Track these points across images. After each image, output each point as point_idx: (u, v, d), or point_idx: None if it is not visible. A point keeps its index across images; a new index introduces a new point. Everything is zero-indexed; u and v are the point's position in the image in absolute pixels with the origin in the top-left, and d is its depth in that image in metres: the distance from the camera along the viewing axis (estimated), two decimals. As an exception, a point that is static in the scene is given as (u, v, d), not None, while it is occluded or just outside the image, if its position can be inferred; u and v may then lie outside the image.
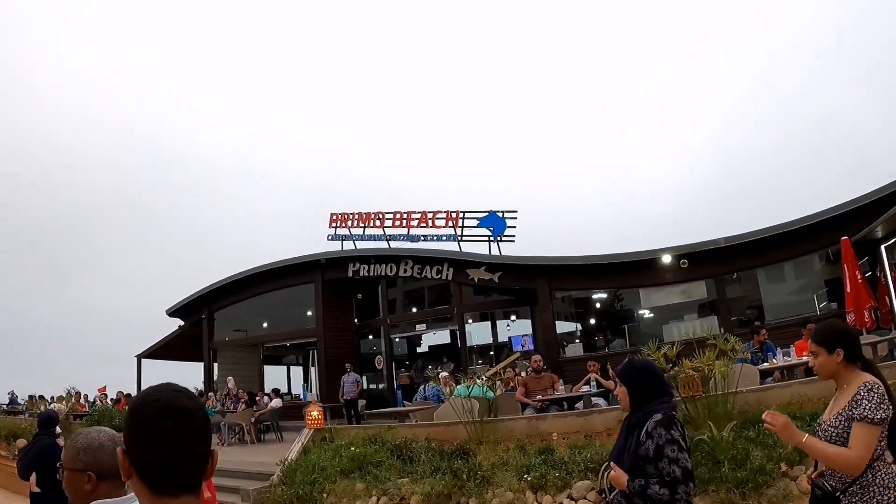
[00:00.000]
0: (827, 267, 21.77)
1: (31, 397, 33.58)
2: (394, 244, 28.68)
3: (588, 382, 16.05)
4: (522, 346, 26.46)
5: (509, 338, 28.73)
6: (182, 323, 36.20)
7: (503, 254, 26.28)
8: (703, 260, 22.38)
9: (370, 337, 32.31)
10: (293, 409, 26.78)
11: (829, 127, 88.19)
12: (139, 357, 36.67)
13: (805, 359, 13.06)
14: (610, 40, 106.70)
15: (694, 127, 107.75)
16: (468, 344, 27.68)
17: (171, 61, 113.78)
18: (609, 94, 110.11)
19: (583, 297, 27.53)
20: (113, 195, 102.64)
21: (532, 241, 26.80)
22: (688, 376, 11.05)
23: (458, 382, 16.64)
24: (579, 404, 15.38)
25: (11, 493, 18.59)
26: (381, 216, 29.02)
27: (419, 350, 34.22)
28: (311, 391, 34.20)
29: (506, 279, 25.29)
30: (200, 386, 33.57)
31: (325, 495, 13.04)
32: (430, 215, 28.16)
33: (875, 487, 3.91)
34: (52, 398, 31.59)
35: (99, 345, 75.33)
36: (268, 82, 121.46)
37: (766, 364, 14.37)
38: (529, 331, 26.96)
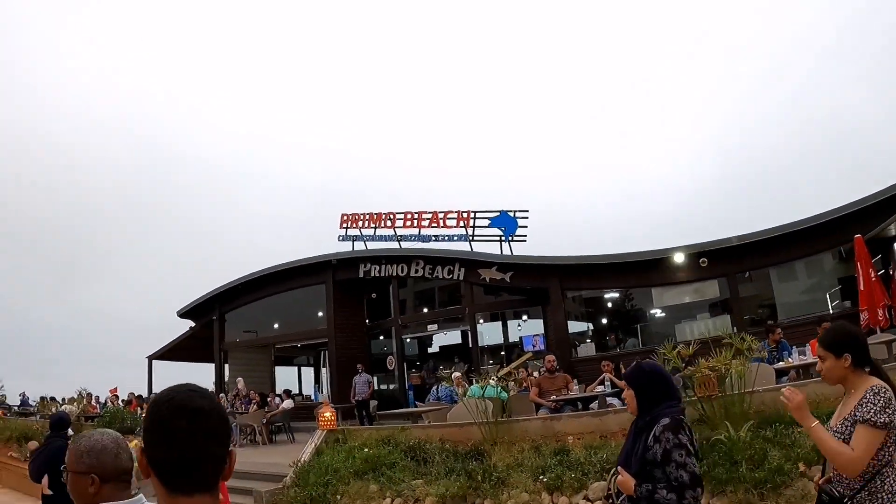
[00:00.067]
0: (840, 265, 21.67)
1: (42, 399, 33.64)
2: (405, 244, 28.61)
3: (602, 382, 15.99)
4: (533, 346, 26.40)
5: (520, 338, 28.63)
6: (193, 324, 36.22)
7: (514, 253, 26.20)
8: (715, 259, 22.27)
9: (381, 337, 32.29)
10: (304, 410, 26.80)
11: (829, 127, 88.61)
12: (150, 358, 36.78)
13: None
14: (610, 40, 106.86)
15: (694, 127, 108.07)
16: (479, 344, 27.61)
17: (172, 61, 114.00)
18: (609, 94, 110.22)
19: (594, 296, 27.47)
20: (115, 196, 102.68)
21: (531, 241, 26.68)
22: (704, 376, 10.97)
23: (471, 383, 16.58)
24: (594, 404, 15.30)
25: (23, 495, 18.60)
26: (391, 216, 28.96)
27: (430, 350, 34.13)
28: (322, 392, 34.17)
29: (517, 279, 25.21)
30: (211, 387, 33.54)
31: (338, 497, 12.96)
32: (441, 215, 28.09)
33: (884, 494, 3.87)
34: (63, 400, 31.62)
35: (109, 347, 75.39)
36: (269, 82, 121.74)
37: (781, 363, 14.28)
38: (540, 331, 26.89)
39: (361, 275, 29.22)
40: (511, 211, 26.91)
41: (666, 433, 4.29)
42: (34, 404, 34.12)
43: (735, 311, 22.26)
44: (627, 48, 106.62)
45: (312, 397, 34.53)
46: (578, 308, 27.74)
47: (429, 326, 30.60)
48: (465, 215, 27.45)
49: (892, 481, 3.87)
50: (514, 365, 23.77)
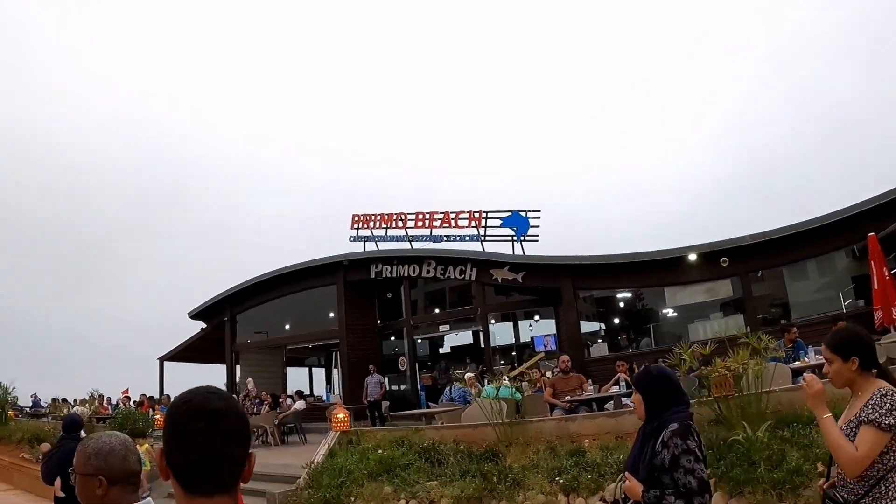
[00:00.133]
0: (853, 264, 21.57)
1: (53, 400, 33.68)
2: (416, 245, 28.61)
3: (617, 382, 15.94)
4: (545, 347, 26.39)
5: (531, 338, 28.64)
6: (204, 325, 36.24)
7: (526, 253, 26.14)
8: (728, 258, 22.16)
9: (392, 338, 32.29)
10: (316, 411, 26.81)
11: (829, 126, 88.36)
12: (161, 360, 36.84)
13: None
14: (610, 40, 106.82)
15: (694, 126, 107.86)
16: (491, 345, 27.57)
17: (178, 63, 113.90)
18: (609, 94, 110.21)
19: (606, 296, 27.44)
20: (124, 198, 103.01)
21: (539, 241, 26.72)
22: (720, 375, 10.90)
23: (484, 383, 16.54)
24: (609, 405, 15.22)
25: (35, 497, 18.62)
26: (403, 217, 28.95)
27: (441, 351, 34.08)
28: (333, 393, 34.17)
29: (530, 279, 25.16)
30: (222, 388, 33.56)
31: (352, 499, 12.91)
32: (452, 215, 28.06)
33: (888, 500, 3.83)
34: (74, 401, 31.66)
35: (121, 348, 75.51)
36: (279, 83, 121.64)
37: (797, 363, 14.20)
38: (552, 331, 26.87)
39: (373, 275, 29.20)
40: (523, 211, 26.88)
41: (674, 438, 4.26)
42: (46, 406, 34.16)
43: (748, 311, 22.16)
44: (627, 48, 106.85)
45: (324, 398, 34.49)
46: (590, 308, 27.68)
47: (440, 327, 30.58)
48: (476, 215, 27.42)
49: None
50: (526, 365, 23.77)
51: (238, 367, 34.47)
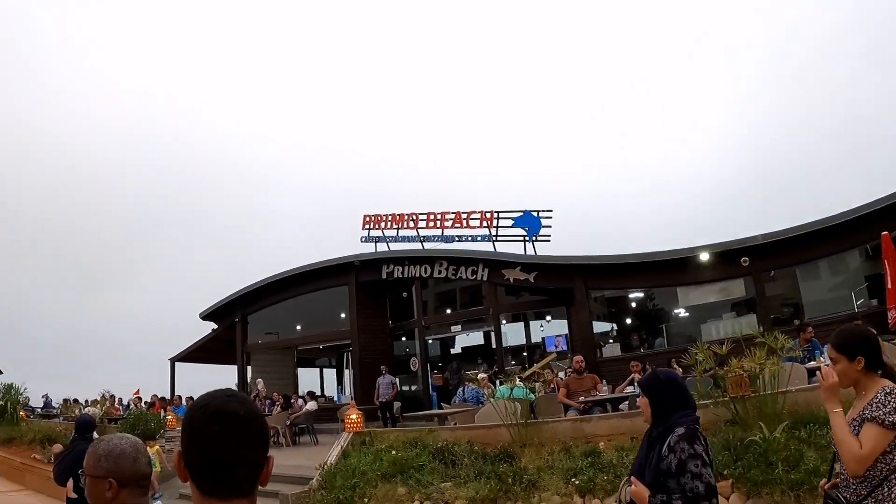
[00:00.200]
0: (866, 263, 21.48)
1: (65, 401, 33.74)
2: (428, 245, 28.59)
3: (632, 383, 15.90)
4: (556, 347, 26.39)
5: (542, 338, 28.61)
6: (215, 326, 36.26)
7: (538, 253, 26.08)
8: (741, 257, 22.08)
9: (403, 339, 32.28)
10: (327, 412, 26.77)
11: (829, 125, 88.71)
12: (172, 360, 36.89)
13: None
14: (610, 40, 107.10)
15: (694, 127, 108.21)
16: (503, 345, 27.52)
17: (197, 66, 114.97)
18: (609, 94, 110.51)
19: (617, 296, 27.40)
20: (135, 199, 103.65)
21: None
22: (736, 375, 10.85)
23: (500, 383, 16.49)
24: (623, 405, 15.17)
25: (47, 497, 18.63)
26: (414, 217, 28.94)
27: (453, 351, 34.00)
28: (344, 393, 34.17)
29: (542, 279, 25.10)
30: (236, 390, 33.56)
31: (366, 500, 12.87)
32: (464, 216, 28.04)
33: (891, 502, 3.80)
34: (86, 402, 31.70)
35: (132, 349, 75.74)
36: (293, 84, 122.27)
37: (813, 363, 14.12)
38: (563, 331, 26.85)
39: (384, 276, 29.17)
40: (535, 211, 26.85)
41: (681, 443, 4.22)
42: (57, 406, 34.22)
43: (761, 311, 22.06)
44: (627, 48, 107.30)
45: (335, 399, 34.49)
46: (601, 308, 27.60)
47: (452, 328, 30.53)
48: (488, 215, 27.40)
49: None
50: (538, 366, 23.71)
51: (249, 368, 34.46)
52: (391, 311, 31.52)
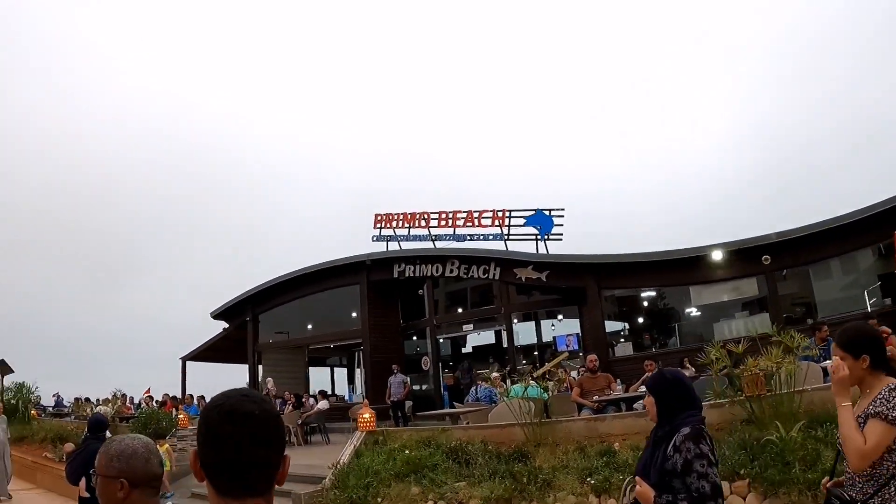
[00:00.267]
0: (879, 262, 21.40)
1: (76, 400, 33.80)
2: (439, 244, 28.55)
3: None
4: (567, 346, 26.36)
5: (554, 337, 28.61)
6: (226, 325, 36.29)
7: (550, 252, 26.04)
8: (753, 256, 22.03)
9: (414, 338, 32.29)
10: (338, 411, 26.77)
11: (830, 123, 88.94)
12: (183, 359, 36.92)
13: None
14: (610, 40, 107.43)
15: (694, 127, 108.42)
16: (514, 344, 27.49)
17: (208, 65, 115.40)
18: (609, 94, 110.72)
19: (629, 295, 27.32)
20: (154, 200, 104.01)
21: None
22: (752, 374, 10.80)
23: (512, 383, 16.45)
24: (638, 404, 15.10)
25: (58, 496, 18.71)
26: (426, 216, 28.91)
27: (464, 351, 33.98)
28: (356, 392, 34.20)
29: (554, 278, 25.05)
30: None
31: (379, 500, 12.86)
32: (476, 214, 28.00)
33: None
34: (97, 401, 31.77)
35: (142, 348, 75.99)
36: (303, 84, 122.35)
37: (828, 362, 14.05)
38: (574, 330, 26.85)
39: (396, 275, 29.14)
40: (546, 209, 26.80)
41: (687, 443, 4.20)
42: (68, 405, 34.29)
43: (773, 310, 21.98)
44: (627, 48, 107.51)
45: (346, 398, 34.53)
46: (612, 307, 27.51)
47: (464, 327, 30.54)
48: (500, 214, 27.36)
49: None
50: (550, 365, 23.66)
51: (260, 367, 34.48)
52: (402, 311, 31.53)
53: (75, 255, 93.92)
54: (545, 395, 14.89)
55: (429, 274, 28.29)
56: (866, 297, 21.50)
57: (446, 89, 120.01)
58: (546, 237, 26.33)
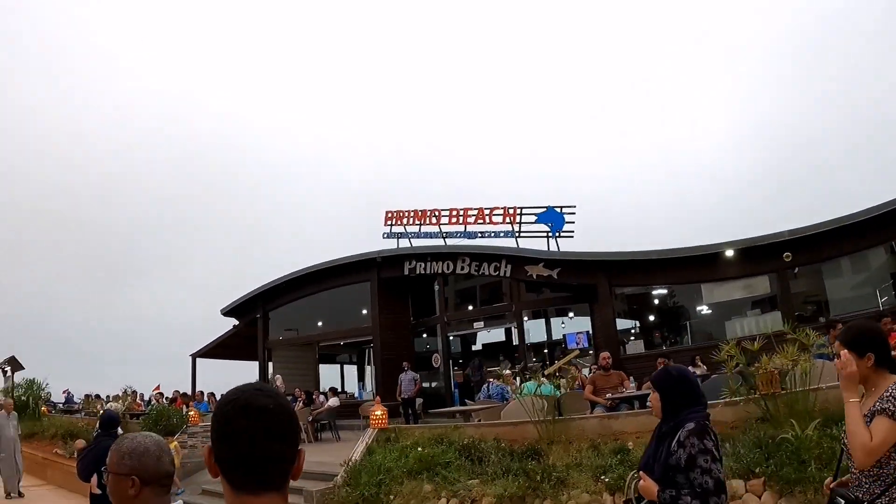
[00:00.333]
0: (891, 260, 21.38)
1: (87, 396, 33.92)
2: (450, 241, 28.55)
3: (660, 380, 15.75)
4: (577, 344, 26.37)
5: (564, 335, 28.64)
6: (237, 322, 36.36)
7: (561, 249, 25.99)
8: (765, 254, 21.98)
9: (425, 335, 32.28)
10: (348, 408, 26.81)
11: (827, 126, 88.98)
12: (194, 356, 37.02)
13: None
14: (610, 40, 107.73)
15: (694, 127, 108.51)
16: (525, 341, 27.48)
17: (214, 62, 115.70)
18: (609, 94, 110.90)
19: (640, 293, 27.31)
20: (163, 198, 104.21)
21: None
22: (767, 372, 10.75)
23: (524, 380, 16.41)
24: (651, 402, 15.05)
25: (69, 492, 18.77)
26: (437, 213, 28.93)
27: (474, 348, 33.98)
28: (365, 390, 34.22)
29: (565, 275, 25.05)
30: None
31: (391, 497, 12.83)
32: (487, 211, 28.01)
33: None
34: (107, 397, 31.83)
35: (152, 346, 76.36)
36: (312, 80, 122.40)
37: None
38: (584, 328, 26.90)
39: (406, 272, 29.17)
40: (558, 206, 26.76)
41: (691, 438, 4.22)
42: (79, 402, 34.37)
43: (785, 308, 21.92)
44: (628, 48, 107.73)
45: (356, 395, 34.54)
46: (622, 305, 27.48)
47: (474, 324, 30.53)
48: (511, 211, 27.33)
49: None
50: (561, 362, 23.65)
51: (270, 364, 34.53)
52: (413, 308, 31.55)
53: (76, 254, 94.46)
54: (558, 392, 14.86)
55: (440, 271, 28.30)
56: (878, 295, 21.42)
57: (445, 89, 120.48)
58: (557, 234, 26.29)
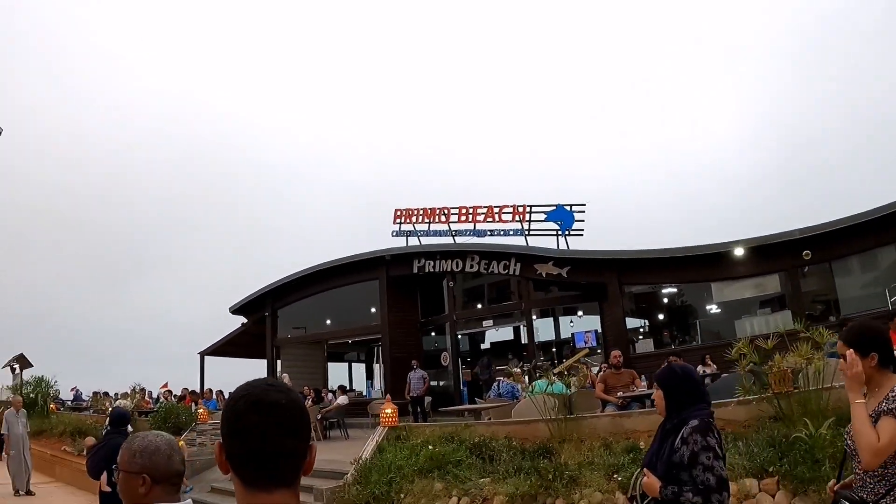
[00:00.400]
0: (902, 258, 21.35)
1: (95, 394, 33.96)
2: (459, 239, 28.53)
3: (671, 378, 15.70)
4: (585, 343, 26.31)
5: (572, 334, 28.59)
6: (245, 320, 36.38)
7: (571, 248, 25.96)
8: (776, 252, 21.92)
9: (433, 334, 32.25)
10: (357, 406, 26.81)
11: (827, 126, 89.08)
12: (202, 354, 37.05)
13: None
14: (610, 40, 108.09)
15: (694, 127, 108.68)
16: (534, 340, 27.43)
17: (220, 63, 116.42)
18: (609, 94, 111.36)
19: (649, 291, 27.25)
20: (171, 196, 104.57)
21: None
22: (779, 371, 10.71)
23: (532, 379, 16.37)
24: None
25: (77, 490, 18.79)
26: (446, 211, 28.92)
27: (482, 346, 33.96)
28: (374, 388, 34.22)
29: (575, 274, 25.03)
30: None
31: (402, 496, 12.79)
32: (496, 209, 28.01)
33: None
34: (116, 395, 31.85)
35: (161, 344, 76.49)
36: (318, 80, 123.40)
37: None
38: (593, 326, 26.83)
39: (415, 270, 29.17)
40: (567, 205, 26.74)
41: (694, 435, 4.25)
42: (87, 399, 34.43)
43: (795, 307, 21.85)
44: (628, 48, 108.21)
45: (365, 393, 34.54)
46: (630, 304, 27.44)
47: (483, 323, 30.50)
48: (520, 209, 27.33)
49: None
50: (571, 360, 23.60)
51: (279, 362, 34.55)
52: (421, 306, 31.53)
53: (76, 254, 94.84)
54: (568, 391, 14.83)
55: (449, 269, 28.28)
56: (887, 294, 21.34)
57: (445, 89, 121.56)
58: (567, 233, 26.26)
